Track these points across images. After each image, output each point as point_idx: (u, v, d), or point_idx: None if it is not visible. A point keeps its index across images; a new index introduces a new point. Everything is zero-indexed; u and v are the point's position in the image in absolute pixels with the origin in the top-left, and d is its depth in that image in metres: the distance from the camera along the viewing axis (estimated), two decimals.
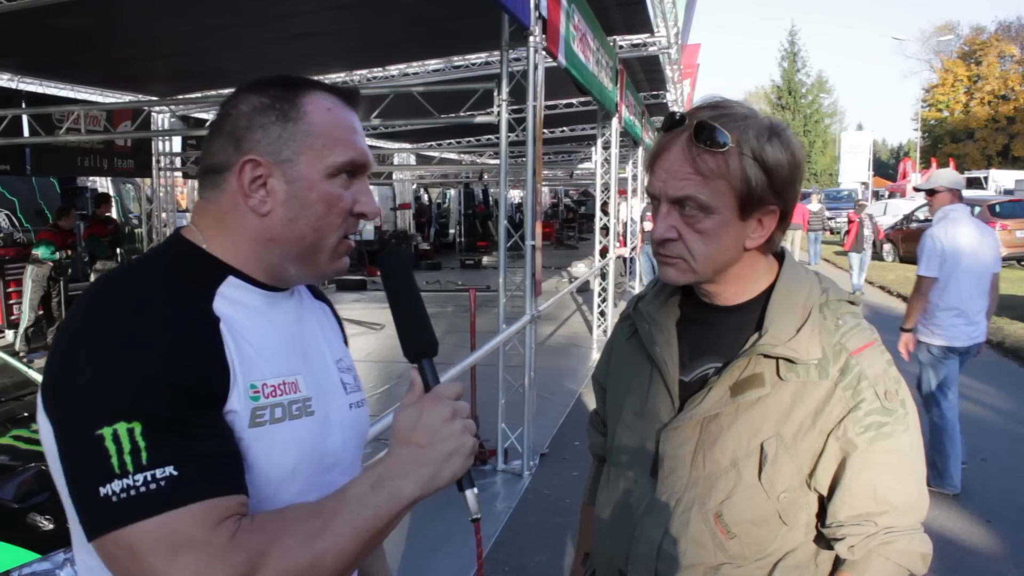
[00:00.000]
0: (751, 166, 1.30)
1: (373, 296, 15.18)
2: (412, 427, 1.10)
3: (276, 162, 1.14)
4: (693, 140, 1.31)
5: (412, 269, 1.22)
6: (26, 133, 10.81)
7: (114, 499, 0.93)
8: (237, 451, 1.04)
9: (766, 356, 1.36)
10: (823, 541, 1.40)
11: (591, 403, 1.76)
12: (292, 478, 1.12)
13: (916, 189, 7.26)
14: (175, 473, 0.95)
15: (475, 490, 1.14)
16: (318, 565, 0.99)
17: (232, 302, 1.13)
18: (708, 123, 1.30)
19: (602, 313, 10.77)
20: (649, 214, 12.84)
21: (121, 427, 0.94)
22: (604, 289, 10.77)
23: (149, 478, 0.94)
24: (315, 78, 1.22)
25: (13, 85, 10.94)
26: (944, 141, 53.65)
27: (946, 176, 5.46)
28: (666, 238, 1.37)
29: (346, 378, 1.31)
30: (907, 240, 19.08)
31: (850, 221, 15.69)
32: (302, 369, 1.18)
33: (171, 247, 1.19)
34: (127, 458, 0.93)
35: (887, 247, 20.57)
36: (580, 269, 17.25)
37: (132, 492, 0.93)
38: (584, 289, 12.92)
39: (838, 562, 1.41)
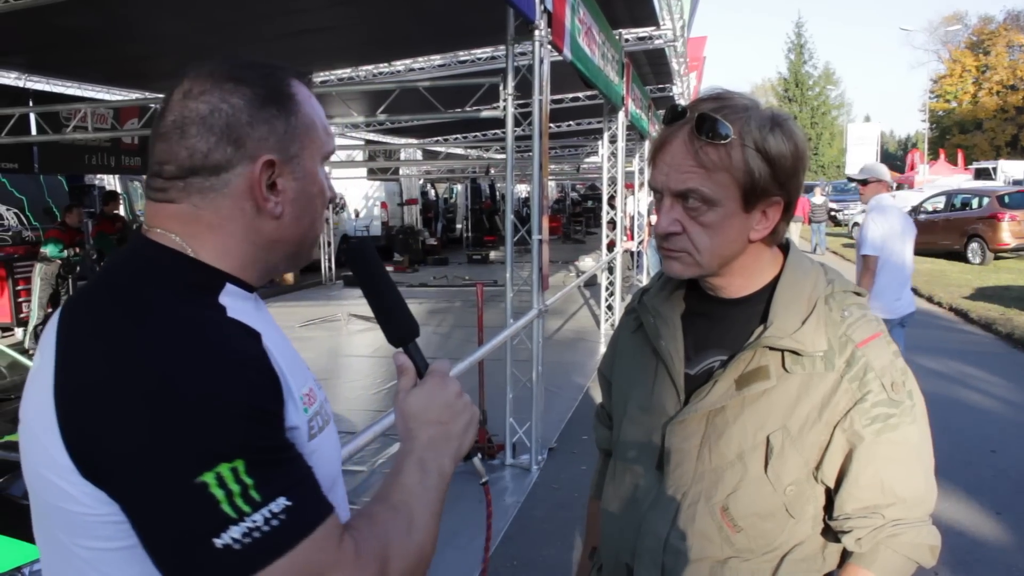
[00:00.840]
0: (754, 157, 1.30)
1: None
2: (427, 408, 1.13)
3: (285, 160, 1.07)
4: (695, 133, 1.30)
5: (379, 258, 1.22)
6: (33, 131, 10.85)
7: (237, 547, 0.85)
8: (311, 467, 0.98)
9: (771, 348, 1.36)
10: (830, 534, 1.40)
11: (599, 397, 1.76)
12: (335, 486, 1.09)
13: (849, 179, 7.78)
14: (289, 503, 0.88)
15: (479, 455, 1.21)
16: (423, 556, 1.03)
17: (239, 312, 1.02)
18: (709, 115, 1.29)
19: (609, 307, 10.76)
20: (657, 208, 12.83)
21: (224, 468, 0.85)
22: (611, 283, 10.76)
23: (268, 515, 0.86)
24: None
25: (20, 84, 10.97)
26: (952, 132, 53.39)
27: (878, 169, 6.09)
28: (670, 232, 1.36)
29: (311, 375, 1.25)
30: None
31: None
32: (306, 372, 1.13)
33: (155, 258, 1.04)
34: (238, 500, 0.85)
35: None
36: (587, 263, 17.25)
37: (256, 534, 0.86)
38: (591, 283, 12.92)
39: (845, 555, 1.40)
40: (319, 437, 1.05)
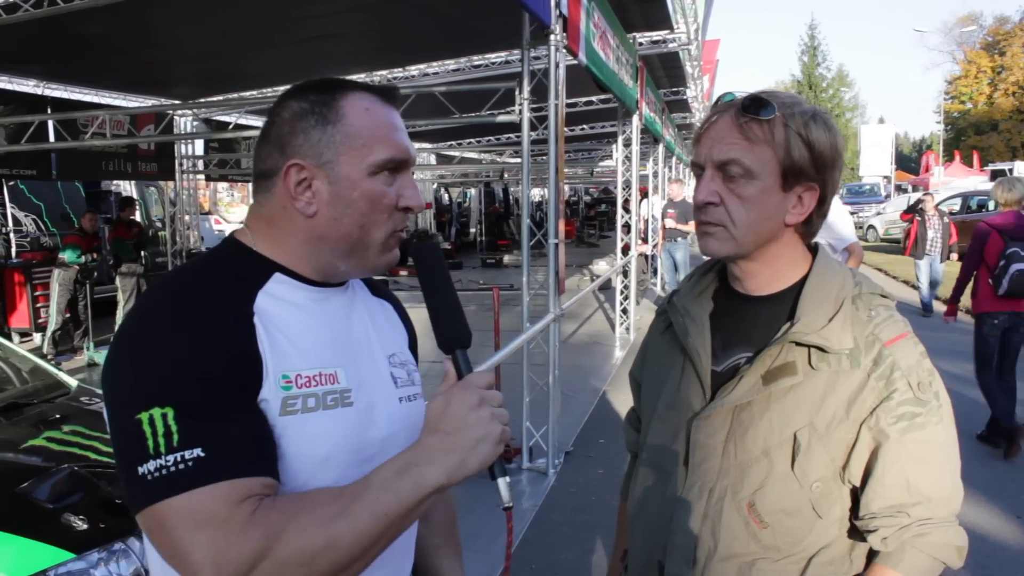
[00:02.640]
0: (795, 138, 1.35)
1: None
2: (440, 415, 1.11)
3: (319, 164, 1.21)
4: (741, 111, 1.36)
5: (444, 263, 1.27)
6: (52, 138, 10.94)
7: (149, 477, 1.02)
8: (269, 437, 1.11)
9: (798, 344, 1.37)
10: (857, 536, 1.40)
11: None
12: (325, 466, 1.17)
13: None
14: (202, 455, 1.03)
15: (507, 478, 1.15)
16: (333, 546, 1.02)
17: (275, 298, 1.20)
18: (758, 95, 1.35)
19: (624, 311, 10.75)
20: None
21: (156, 412, 1.04)
22: (626, 287, 10.75)
23: (179, 459, 1.02)
24: (354, 79, 1.26)
25: (39, 91, 11.08)
26: (967, 133, 52.98)
27: None
28: (708, 202, 1.39)
29: (398, 372, 1.35)
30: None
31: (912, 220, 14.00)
32: (345, 362, 1.24)
33: (222, 249, 1.28)
34: (160, 440, 1.03)
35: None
36: (602, 267, 17.26)
37: (164, 471, 1.02)
38: (606, 287, 12.91)
39: (872, 557, 1.40)
40: (302, 415, 1.15)
